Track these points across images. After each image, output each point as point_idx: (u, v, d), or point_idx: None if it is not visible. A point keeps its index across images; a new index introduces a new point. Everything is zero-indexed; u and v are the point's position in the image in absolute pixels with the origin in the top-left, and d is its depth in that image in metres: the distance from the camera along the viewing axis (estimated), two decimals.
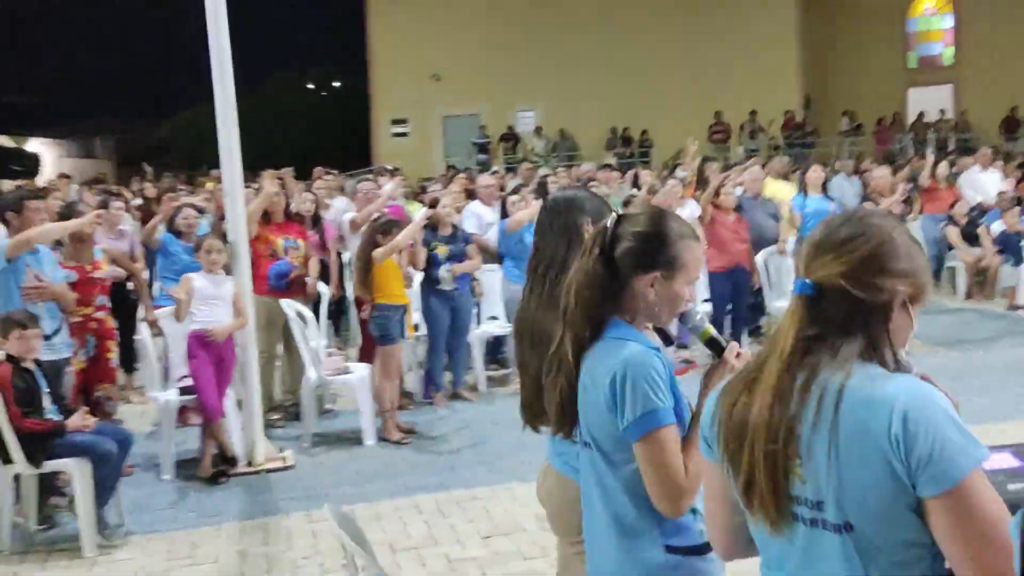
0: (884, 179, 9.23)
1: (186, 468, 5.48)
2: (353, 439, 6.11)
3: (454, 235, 6.74)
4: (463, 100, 23.38)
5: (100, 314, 5.60)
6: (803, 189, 8.42)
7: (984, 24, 21.65)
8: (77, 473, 4.34)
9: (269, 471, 5.52)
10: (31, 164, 29.88)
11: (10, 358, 4.40)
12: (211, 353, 5.38)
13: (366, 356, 6.47)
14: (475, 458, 5.61)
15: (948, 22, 23.29)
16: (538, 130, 22.54)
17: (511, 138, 22.58)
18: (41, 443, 4.33)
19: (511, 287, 7.10)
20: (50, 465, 4.37)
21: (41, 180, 27.02)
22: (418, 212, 7.49)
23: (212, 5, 5.38)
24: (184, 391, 5.60)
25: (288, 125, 26.01)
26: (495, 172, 7.08)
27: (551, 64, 22.76)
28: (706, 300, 7.93)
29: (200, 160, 23.39)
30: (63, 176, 14.66)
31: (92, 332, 5.49)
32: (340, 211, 8.37)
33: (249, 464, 5.56)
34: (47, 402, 4.46)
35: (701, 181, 8.42)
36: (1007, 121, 20.53)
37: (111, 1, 37.54)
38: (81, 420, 4.43)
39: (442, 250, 6.57)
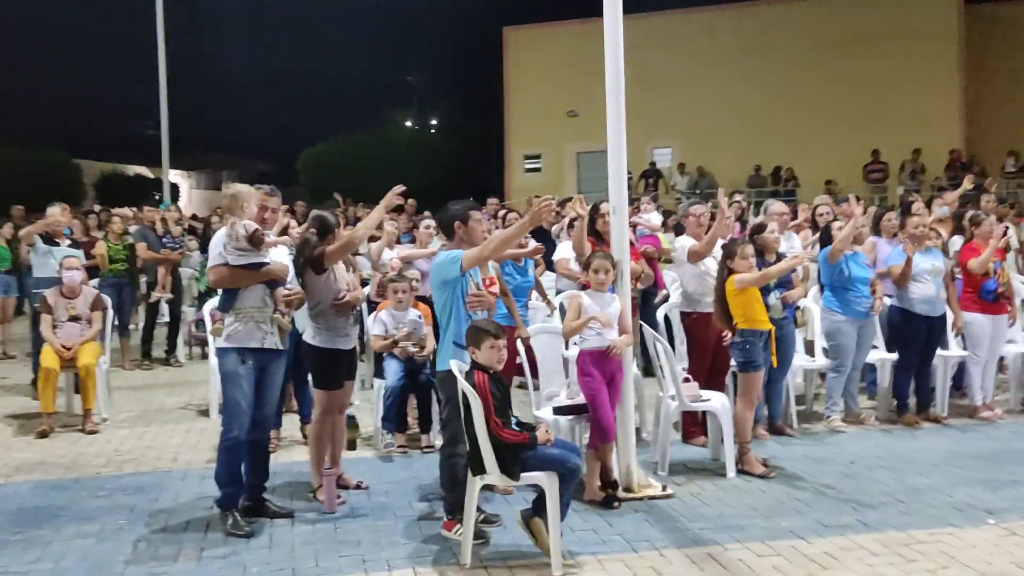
0: None
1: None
2: (705, 469, 5.97)
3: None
4: (598, 136, 23.46)
5: None
6: None
7: None
8: (548, 488, 4.26)
9: (651, 498, 5.39)
10: (171, 193, 31.01)
11: (482, 367, 4.38)
12: (604, 372, 5.30)
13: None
14: (867, 499, 5.35)
15: None
16: (681, 166, 22.44)
17: (652, 175, 22.50)
18: (515, 455, 4.27)
19: (832, 317, 6.96)
20: (526, 478, 4.29)
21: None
22: None
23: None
24: (558, 410, 5.54)
25: (418, 160, 26.33)
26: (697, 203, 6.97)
27: (689, 101, 22.75)
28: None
29: (326, 191, 23.95)
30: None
31: None
32: None
33: (627, 490, 5.44)
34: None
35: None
36: None
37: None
38: (545, 434, 4.36)
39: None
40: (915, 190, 19.85)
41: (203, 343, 10.74)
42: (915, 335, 7.16)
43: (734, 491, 5.53)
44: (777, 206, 7.59)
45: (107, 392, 7.68)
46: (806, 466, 6.02)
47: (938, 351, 7.33)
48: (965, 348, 7.48)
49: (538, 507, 4.41)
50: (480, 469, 4.30)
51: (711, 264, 6.47)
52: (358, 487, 5.58)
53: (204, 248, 10.95)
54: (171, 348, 10.38)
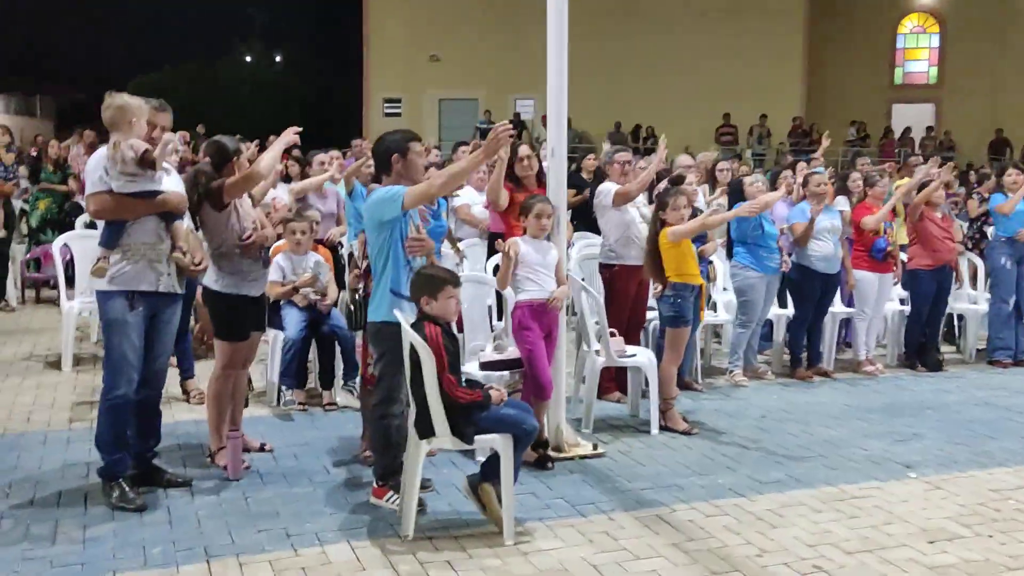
0: None
1: None
2: (627, 426, 5.78)
3: None
4: (460, 83, 22.95)
5: None
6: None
7: (968, 45, 22.83)
8: (503, 451, 3.86)
9: (582, 457, 5.12)
10: None
11: (432, 319, 3.88)
12: (543, 325, 4.93)
13: None
14: (789, 452, 5.34)
15: (934, 41, 24.44)
16: (544, 119, 22.25)
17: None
18: (468, 416, 3.83)
19: (745, 273, 6.91)
20: (479, 440, 3.86)
21: None
22: None
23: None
24: (486, 366, 5.13)
25: (265, 98, 24.70)
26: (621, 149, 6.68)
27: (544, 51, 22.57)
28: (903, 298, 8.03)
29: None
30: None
31: None
32: None
33: (556, 449, 5.14)
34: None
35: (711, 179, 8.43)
36: (994, 143, 21.57)
37: None
38: (499, 393, 3.95)
39: None
40: (762, 153, 20.76)
41: (37, 285, 9.49)
42: (812, 292, 7.27)
43: (662, 448, 5.36)
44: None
45: None
46: (721, 421, 5.96)
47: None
48: (851, 305, 7.71)
49: (487, 472, 4.01)
50: (428, 432, 3.84)
51: (635, 214, 6.22)
52: (262, 449, 4.96)
53: (35, 178, 9.59)
54: (0, 291, 9.04)
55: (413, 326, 3.88)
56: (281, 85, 25.52)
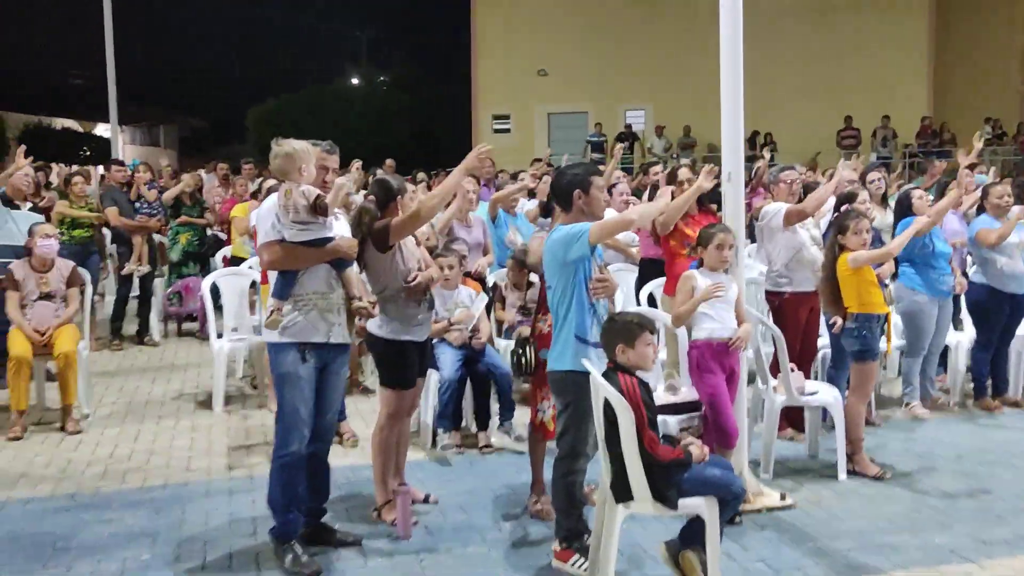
0: None
1: None
2: (808, 469, 5.28)
3: None
4: (569, 96, 22.66)
5: None
6: None
7: None
8: (709, 516, 3.47)
9: (770, 509, 4.66)
10: (101, 148, 28.99)
11: (626, 370, 3.54)
12: (724, 366, 4.52)
13: None
14: (1009, 504, 4.72)
15: None
16: (659, 129, 21.73)
17: (628, 137, 21.75)
18: (668, 476, 3.45)
19: (913, 296, 6.30)
20: (683, 505, 3.48)
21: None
22: None
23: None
24: (664, 410, 4.74)
25: (375, 119, 25.01)
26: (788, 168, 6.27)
27: (661, 61, 21.99)
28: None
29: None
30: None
31: None
32: None
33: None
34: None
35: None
36: None
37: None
38: (700, 450, 3.56)
39: None
40: (887, 157, 19.62)
41: (179, 319, 9.64)
42: (998, 313, 6.58)
43: (855, 497, 4.84)
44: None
45: (88, 383, 6.58)
46: (912, 463, 5.38)
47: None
48: None
49: (687, 538, 3.63)
50: (626, 495, 3.48)
51: (805, 236, 5.74)
52: (426, 500, 4.70)
53: (175, 213, 9.74)
54: (144, 326, 9.20)
55: (606, 377, 3.54)
56: (391, 106, 25.79)
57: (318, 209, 3.83)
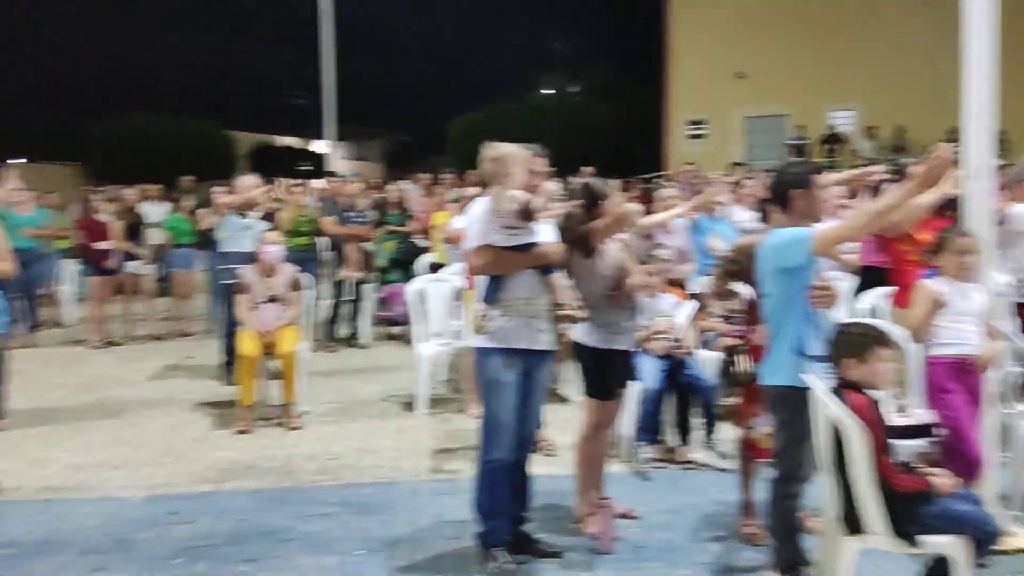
0: None
1: None
2: None
3: None
4: (768, 99, 21.71)
5: None
6: None
7: None
8: (958, 558, 3.10)
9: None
10: (316, 163, 31.22)
11: (856, 386, 3.25)
12: (967, 387, 4.07)
13: None
14: None
15: None
16: (869, 130, 20.35)
17: (833, 140, 20.54)
18: (910, 509, 3.12)
19: None
20: (925, 543, 3.14)
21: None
22: None
23: None
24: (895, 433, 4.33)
25: (570, 127, 25.14)
26: None
27: (877, 58, 20.51)
28: None
29: (474, 161, 23.12)
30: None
31: None
32: None
33: None
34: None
35: None
36: None
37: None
38: (947, 482, 3.20)
39: None
40: None
41: (390, 323, 10.07)
42: None
43: None
44: None
45: (307, 382, 6.98)
46: None
47: None
48: None
49: None
50: (858, 527, 3.18)
51: None
52: (626, 516, 4.57)
53: (381, 221, 10.20)
54: (355, 329, 9.70)
55: (833, 394, 3.25)
56: (585, 114, 25.88)
57: (527, 213, 3.80)
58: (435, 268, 8.69)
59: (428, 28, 41.93)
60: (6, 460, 5.44)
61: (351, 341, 9.66)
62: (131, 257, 10.18)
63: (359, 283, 9.59)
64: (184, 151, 25.25)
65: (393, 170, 33.76)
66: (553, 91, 30.28)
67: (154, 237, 10.98)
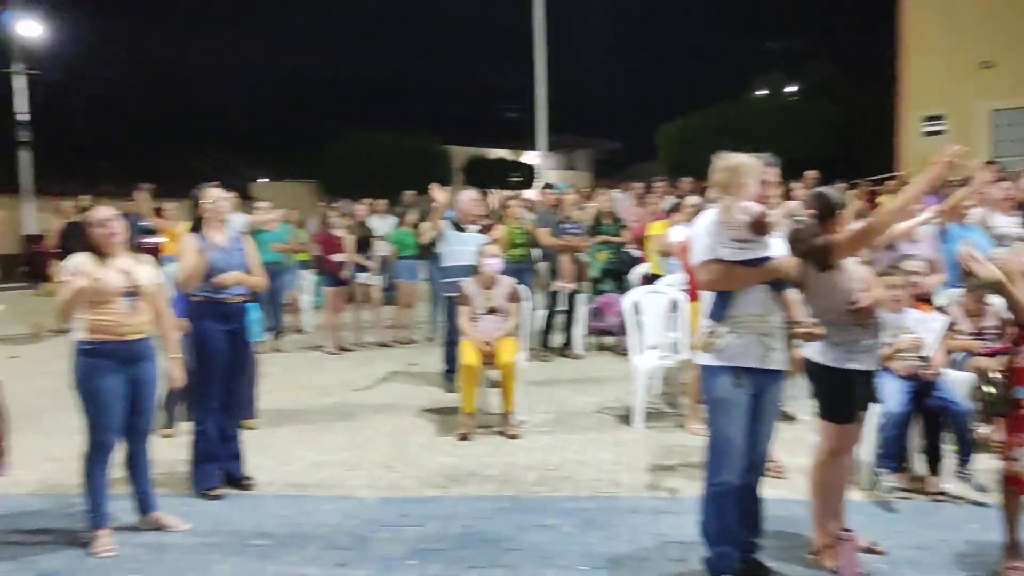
0: None
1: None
2: None
3: None
4: (1020, 90, 19.58)
5: None
6: None
7: None
8: None
9: None
10: (527, 174, 31.97)
11: None
12: None
13: None
14: None
15: None
16: None
17: None
18: None
19: None
20: None
21: (535, 189, 28.88)
22: None
23: None
24: None
25: (790, 129, 24.02)
26: None
27: None
28: None
29: (685, 167, 22.58)
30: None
31: None
32: None
33: None
34: None
35: None
36: None
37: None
38: None
39: None
40: None
41: (602, 333, 10.07)
42: None
43: None
44: None
45: (524, 392, 7.10)
46: None
47: None
48: None
49: None
50: None
51: None
52: (870, 550, 4.22)
53: (595, 231, 10.22)
54: (568, 339, 9.78)
55: None
56: (806, 115, 24.61)
57: (760, 227, 3.62)
58: (648, 279, 8.56)
59: (635, 34, 41.86)
60: (259, 457, 5.93)
61: (564, 351, 9.74)
62: (361, 268, 10.87)
63: (572, 293, 9.65)
64: (406, 166, 26.73)
65: (601, 179, 33.89)
66: (767, 91, 29.10)
67: (381, 249, 11.65)
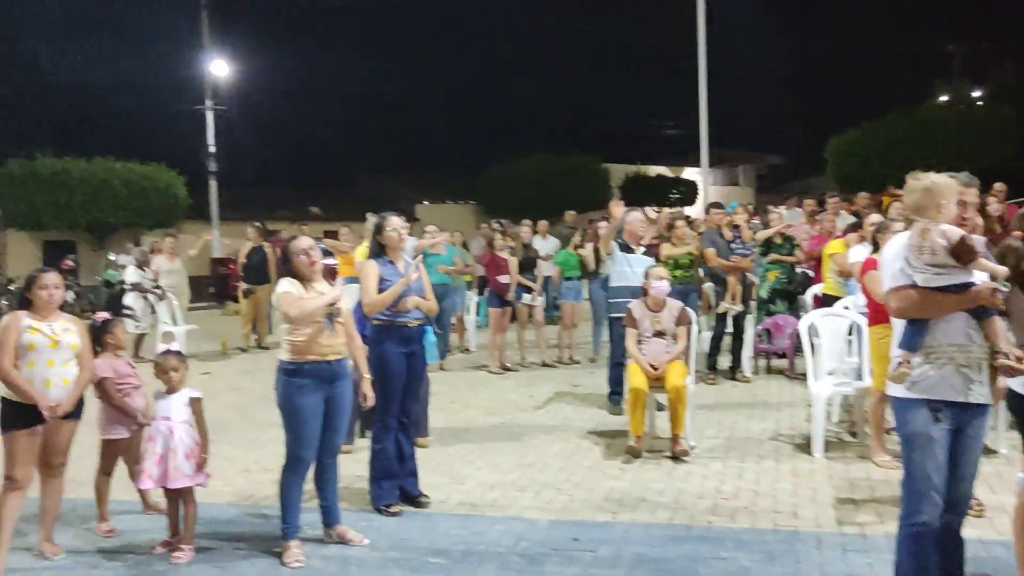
0: None
1: None
2: None
3: None
4: None
5: None
6: None
7: None
8: None
9: None
10: (688, 191, 31.48)
11: None
12: None
13: None
14: None
15: None
16: None
17: None
18: None
19: None
20: None
21: (697, 207, 28.37)
22: None
23: None
24: None
25: (974, 137, 22.37)
26: None
27: None
28: None
29: (855, 180, 21.35)
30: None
31: None
32: None
33: None
34: None
35: None
36: None
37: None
38: None
39: None
40: None
41: (768, 355, 9.74)
42: None
43: None
44: None
45: (693, 416, 6.95)
46: None
47: None
48: None
49: None
50: None
51: None
52: None
53: (765, 250, 9.91)
54: (736, 362, 9.51)
55: None
56: (990, 122, 22.81)
57: (963, 252, 3.39)
58: (827, 301, 8.20)
59: (801, 43, 40.40)
60: (432, 475, 6.11)
61: (732, 374, 9.47)
62: (525, 289, 11.03)
63: (740, 315, 9.38)
64: (567, 186, 26.98)
65: (763, 194, 32.83)
66: (946, 98, 27.25)
67: (544, 270, 11.79)
